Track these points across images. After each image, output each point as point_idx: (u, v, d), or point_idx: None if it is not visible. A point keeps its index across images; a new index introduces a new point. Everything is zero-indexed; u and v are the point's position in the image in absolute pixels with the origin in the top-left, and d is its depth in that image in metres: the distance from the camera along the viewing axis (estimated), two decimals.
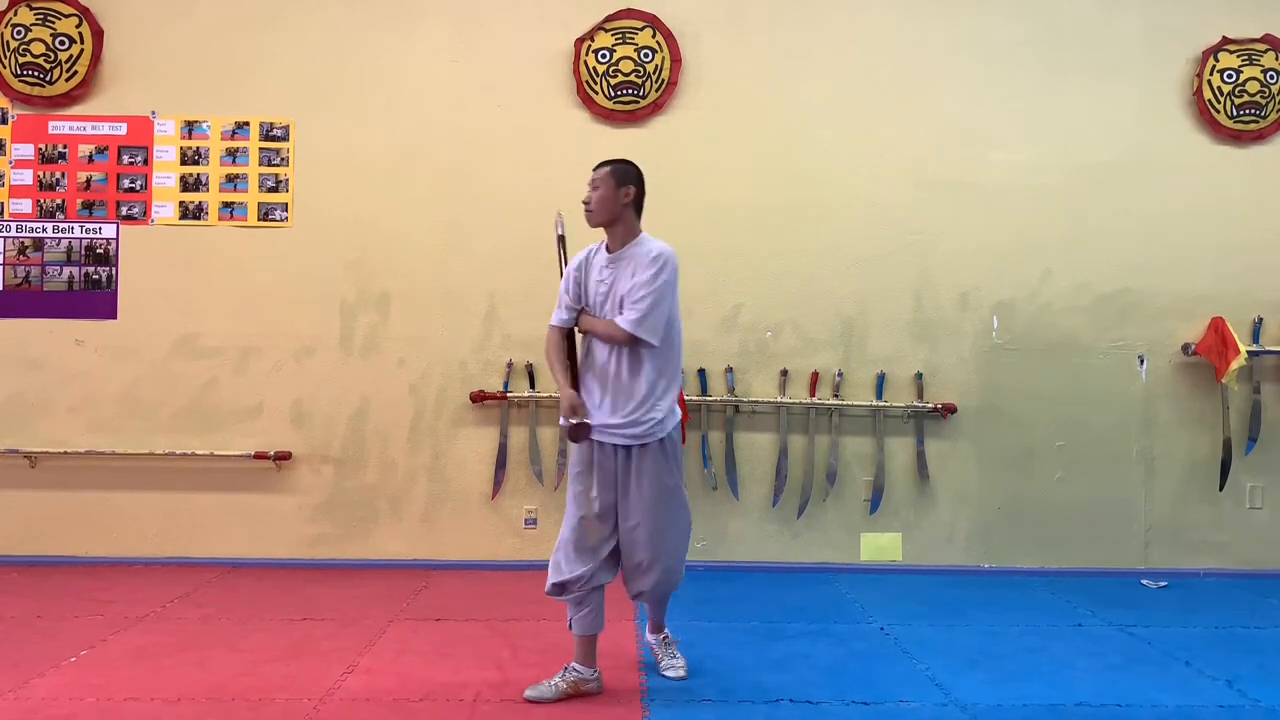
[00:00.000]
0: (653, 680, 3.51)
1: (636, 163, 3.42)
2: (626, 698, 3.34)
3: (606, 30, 5.13)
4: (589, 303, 3.40)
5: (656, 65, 5.11)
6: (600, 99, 5.12)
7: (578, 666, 3.35)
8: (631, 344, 3.28)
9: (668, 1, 5.16)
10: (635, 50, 5.10)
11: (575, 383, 3.37)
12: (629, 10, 5.14)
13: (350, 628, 4.07)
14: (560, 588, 3.32)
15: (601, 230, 3.41)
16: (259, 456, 5.06)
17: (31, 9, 5.08)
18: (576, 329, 3.44)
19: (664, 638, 3.62)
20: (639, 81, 5.11)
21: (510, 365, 5.12)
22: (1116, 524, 5.22)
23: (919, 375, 5.18)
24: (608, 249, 3.40)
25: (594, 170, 3.38)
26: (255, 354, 5.13)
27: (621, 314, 3.28)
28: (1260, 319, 5.20)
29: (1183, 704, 3.37)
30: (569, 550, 3.33)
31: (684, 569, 3.49)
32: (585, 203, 3.35)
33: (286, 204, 5.16)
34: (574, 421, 3.27)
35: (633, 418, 3.28)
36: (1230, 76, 5.22)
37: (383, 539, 5.13)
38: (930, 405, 5.13)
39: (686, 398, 4.97)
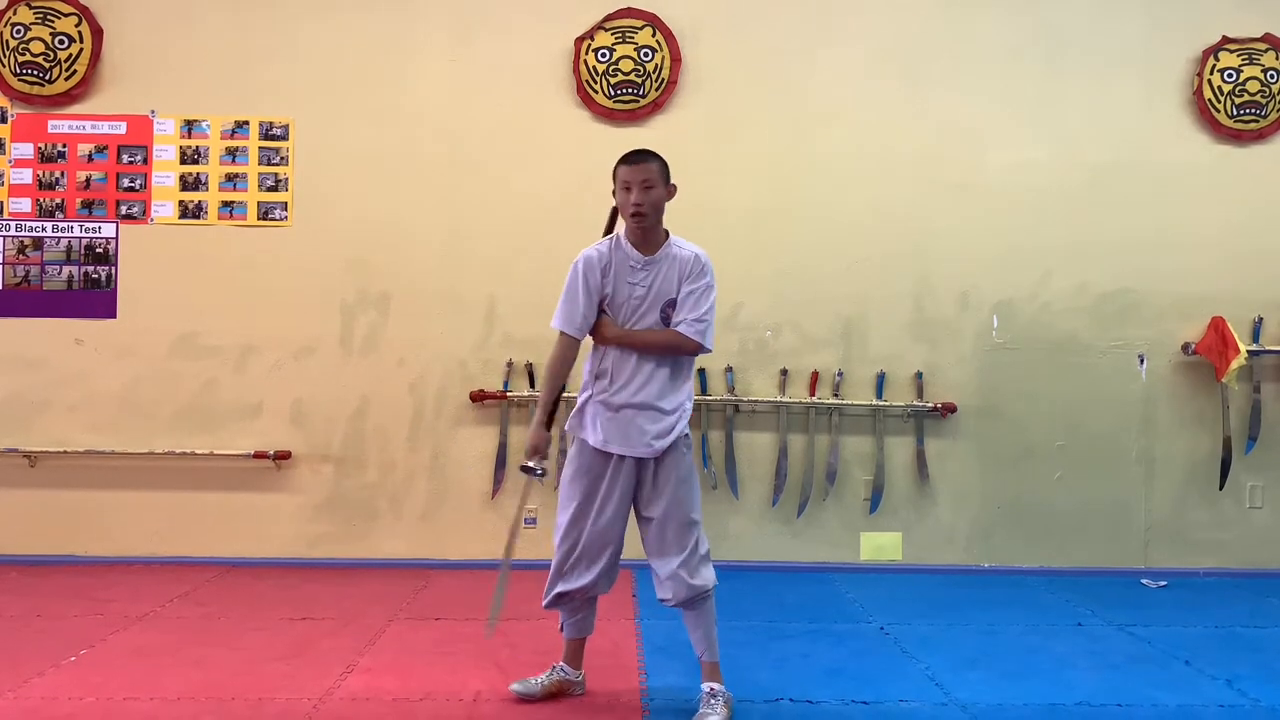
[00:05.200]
0: (653, 681, 3.50)
1: None
2: (626, 698, 3.34)
3: (606, 29, 5.13)
4: (616, 308, 3.14)
5: (656, 64, 5.11)
6: (600, 98, 5.12)
7: (565, 667, 3.35)
8: (695, 353, 3.15)
9: (668, 1, 5.16)
10: (635, 49, 5.10)
11: (551, 419, 3.20)
12: (629, 9, 5.14)
13: (350, 627, 4.07)
14: (561, 598, 3.24)
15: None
16: (259, 456, 5.06)
17: (31, 8, 5.07)
18: (601, 339, 3.18)
19: (711, 689, 3.16)
20: (639, 81, 5.10)
21: (510, 365, 5.12)
22: (1116, 524, 5.22)
23: (919, 375, 5.18)
24: (638, 249, 3.13)
25: (629, 164, 3.08)
26: (255, 354, 5.13)
27: (677, 321, 3.09)
28: (1260, 318, 5.20)
29: (1183, 703, 3.37)
30: (571, 561, 3.21)
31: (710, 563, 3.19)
32: (638, 205, 3.05)
33: (286, 203, 5.16)
34: (537, 469, 3.17)
35: (664, 424, 3.10)
36: (1230, 76, 5.22)
37: (382, 538, 5.13)
38: (930, 405, 5.13)
39: None
